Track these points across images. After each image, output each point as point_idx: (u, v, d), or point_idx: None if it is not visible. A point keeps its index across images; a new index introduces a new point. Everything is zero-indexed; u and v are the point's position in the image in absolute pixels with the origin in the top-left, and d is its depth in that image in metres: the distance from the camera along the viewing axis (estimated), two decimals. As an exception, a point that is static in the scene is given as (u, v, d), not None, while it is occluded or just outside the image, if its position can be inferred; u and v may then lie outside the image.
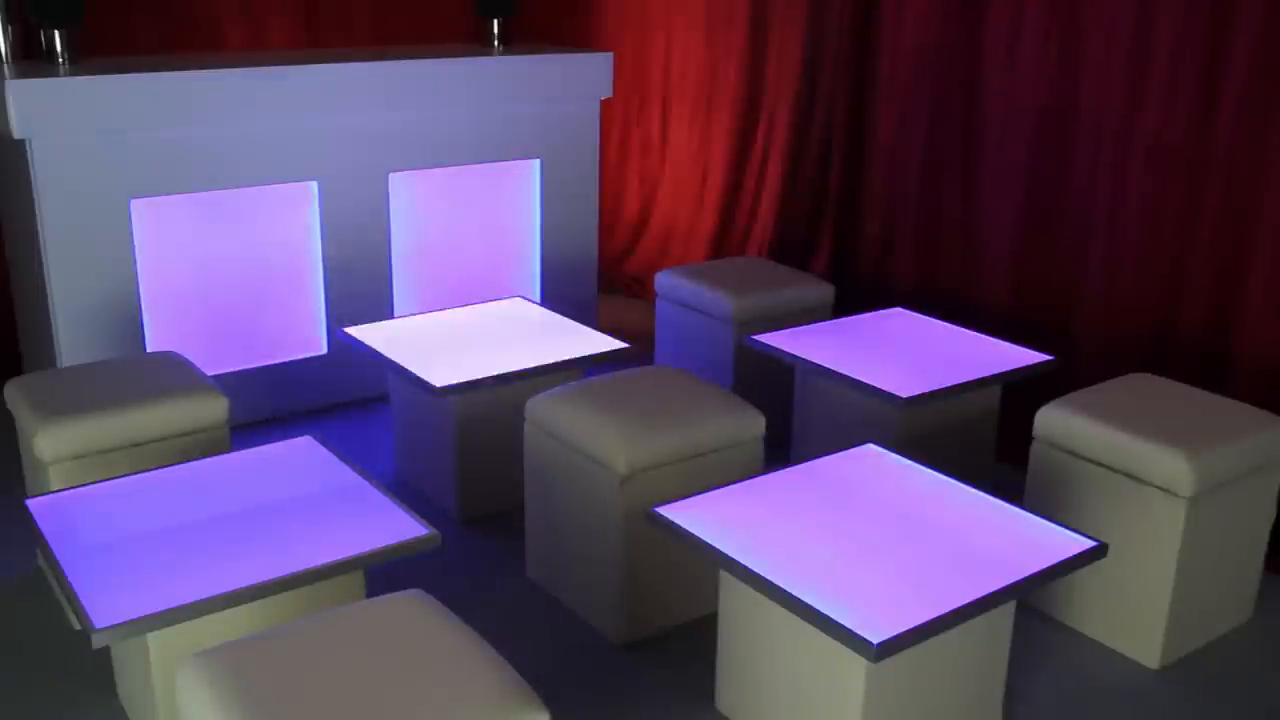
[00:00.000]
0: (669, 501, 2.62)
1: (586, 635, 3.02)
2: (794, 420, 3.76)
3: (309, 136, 4.11)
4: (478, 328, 3.82)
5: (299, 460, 2.79)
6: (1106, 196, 3.86)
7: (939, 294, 4.45)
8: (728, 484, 2.72)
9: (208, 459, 2.79)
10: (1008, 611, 2.53)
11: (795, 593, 2.24)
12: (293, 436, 2.91)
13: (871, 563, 2.38)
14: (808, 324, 3.91)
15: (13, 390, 3.05)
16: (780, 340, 3.62)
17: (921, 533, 2.51)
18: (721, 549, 2.41)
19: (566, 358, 3.53)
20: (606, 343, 3.66)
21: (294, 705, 1.84)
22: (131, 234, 3.83)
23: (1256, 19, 3.42)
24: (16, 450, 3.32)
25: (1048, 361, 3.51)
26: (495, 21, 4.83)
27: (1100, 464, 2.91)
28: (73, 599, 2.16)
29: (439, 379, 3.30)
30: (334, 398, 4.39)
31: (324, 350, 4.35)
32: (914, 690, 2.39)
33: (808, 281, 4.21)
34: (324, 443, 2.86)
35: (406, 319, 3.91)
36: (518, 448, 3.49)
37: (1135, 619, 2.91)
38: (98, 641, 2.09)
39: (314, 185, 4.18)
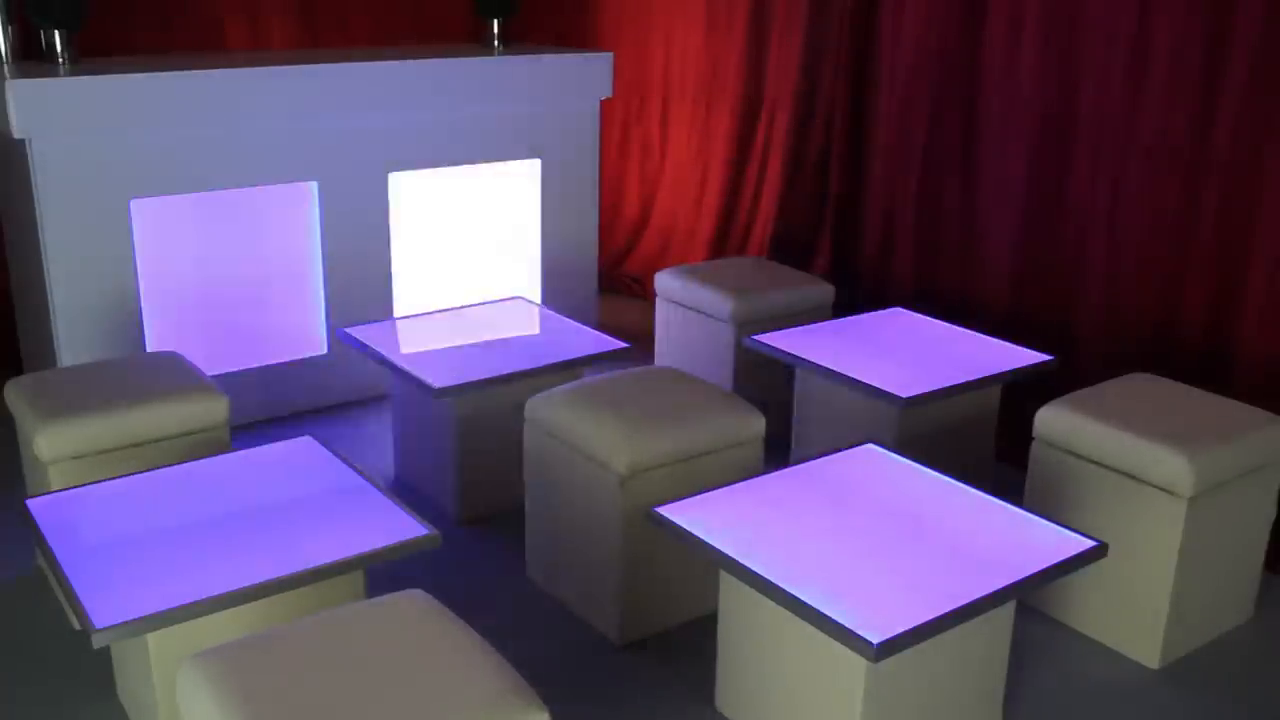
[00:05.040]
0: (669, 501, 2.62)
1: (586, 635, 3.02)
2: (794, 420, 3.76)
3: (309, 136, 4.11)
4: (478, 328, 3.82)
5: (299, 460, 2.79)
6: (1106, 197, 3.86)
7: (939, 294, 4.45)
8: (728, 484, 2.71)
9: (208, 459, 2.79)
10: (1008, 611, 2.53)
11: (795, 593, 2.24)
12: (293, 436, 2.91)
13: (871, 563, 2.38)
14: (808, 324, 3.91)
15: (13, 390, 3.05)
16: (780, 340, 3.62)
17: (921, 533, 2.51)
18: (721, 549, 2.41)
19: (566, 358, 3.52)
20: (606, 343, 3.66)
21: (294, 705, 1.84)
22: (131, 234, 3.83)
23: (1256, 20, 3.42)
24: (16, 450, 3.32)
25: (1048, 361, 3.51)
26: (495, 21, 4.83)
27: (1100, 464, 2.91)
28: (73, 599, 2.16)
29: (439, 379, 3.30)
30: (334, 398, 4.39)
31: (324, 350, 4.35)
32: (914, 690, 2.39)
33: (808, 281, 4.21)
34: (324, 443, 2.86)
35: (406, 319, 3.91)
36: (518, 448, 3.49)
37: (1135, 619, 2.91)
38: (98, 641, 2.09)
39: (314, 185, 4.18)
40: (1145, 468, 2.81)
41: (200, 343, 4.06)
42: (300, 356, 4.31)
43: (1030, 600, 3.11)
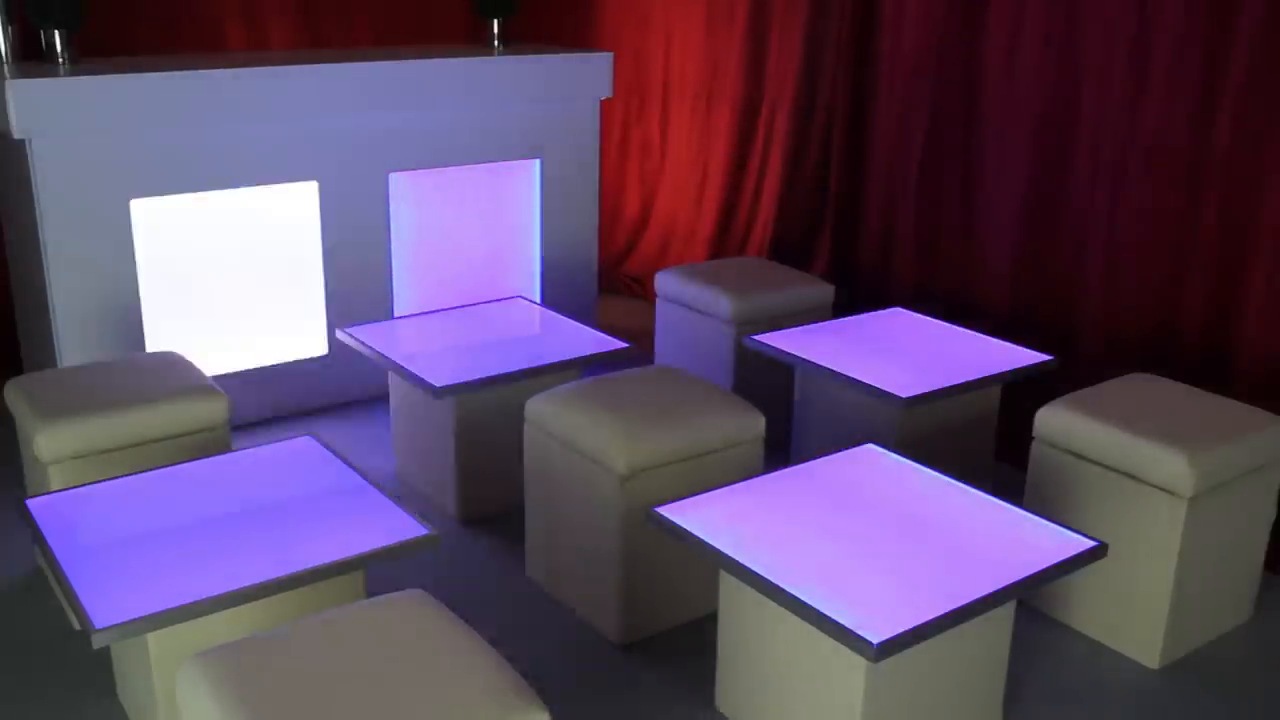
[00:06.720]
0: (669, 501, 2.62)
1: (586, 635, 3.02)
2: (794, 420, 3.76)
3: (309, 136, 4.11)
4: (478, 328, 3.82)
5: (299, 460, 2.79)
6: (1106, 197, 3.86)
7: (939, 294, 4.45)
8: (728, 484, 2.72)
9: (208, 459, 2.79)
10: (1008, 611, 2.53)
11: (795, 593, 2.24)
12: (293, 436, 2.91)
13: (871, 563, 2.38)
14: (808, 324, 3.91)
15: (13, 390, 3.05)
16: (780, 340, 3.62)
17: (921, 533, 2.51)
18: (721, 549, 2.41)
19: (566, 358, 3.52)
20: (606, 343, 3.66)
21: (294, 705, 1.84)
22: (131, 234, 3.83)
23: (1256, 19, 3.42)
24: (16, 450, 3.32)
25: (1048, 361, 3.51)
26: (495, 21, 4.83)
27: (1100, 464, 2.91)
28: (73, 599, 2.16)
29: (439, 379, 3.30)
30: (334, 398, 4.39)
31: (324, 350, 4.35)
32: (914, 690, 2.39)
33: (808, 281, 4.21)
34: (324, 443, 2.86)
35: (406, 319, 3.91)
36: (518, 448, 3.49)
37: (1135, 619, 2.91)
38: (98, 641, 2.09)
39: (314, 185, 4.18)
40: (1145, 468, 2.81)
41: (200, 343, 4.06)
42: (300, 356, 4.31)
43: (1030, 600, 3.11)
